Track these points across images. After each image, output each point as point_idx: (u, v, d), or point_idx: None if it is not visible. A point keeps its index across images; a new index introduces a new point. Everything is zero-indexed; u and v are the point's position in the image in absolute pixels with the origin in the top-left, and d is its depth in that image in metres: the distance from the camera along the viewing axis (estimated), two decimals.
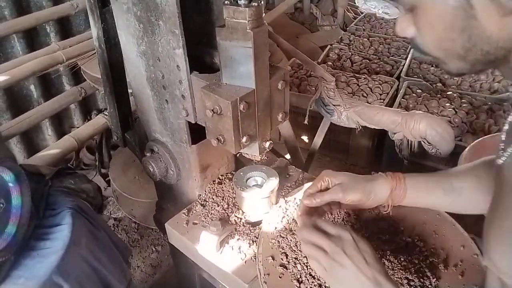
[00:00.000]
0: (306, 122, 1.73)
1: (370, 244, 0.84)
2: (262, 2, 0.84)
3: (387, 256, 1.00)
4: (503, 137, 0.71)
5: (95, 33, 1.19)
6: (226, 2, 0.84)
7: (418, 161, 2.26)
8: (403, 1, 0.64)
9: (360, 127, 1.61)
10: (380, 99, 2.47)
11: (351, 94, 2.51)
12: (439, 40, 0.62)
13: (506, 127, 0.71)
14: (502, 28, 0.56)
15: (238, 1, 0.82)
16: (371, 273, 0.79)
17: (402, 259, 1.00)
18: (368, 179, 1.04)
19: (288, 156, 1.98)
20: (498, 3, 0.53)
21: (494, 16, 0.55)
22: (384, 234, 1.11)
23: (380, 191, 1.03)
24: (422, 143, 1.54)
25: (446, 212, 1.15)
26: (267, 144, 1.01)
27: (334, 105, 1.44)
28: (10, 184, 0.95)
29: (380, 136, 2.55)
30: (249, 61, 0.86)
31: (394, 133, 1.57)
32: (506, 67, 0.62)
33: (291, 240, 1.10)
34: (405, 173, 1.06)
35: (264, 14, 0.87)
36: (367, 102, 2.45)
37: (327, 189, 1.04)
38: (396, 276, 0.97)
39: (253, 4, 0.82)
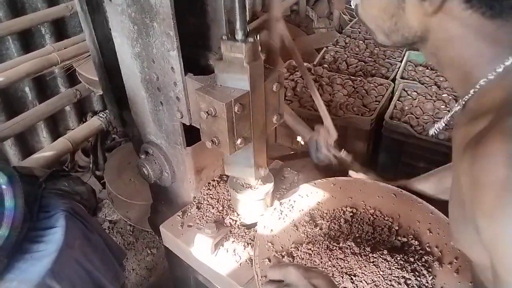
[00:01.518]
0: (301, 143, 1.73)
1: (325, 275, 0.83)
2: (258, 38, 0.88)
3: (384, 256, 1.00)
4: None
5: (79, 6, 1.17)
6: (223, 37, 0.88)
7: (413, 163, 2.27)
8: None
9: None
10: (376, 101, 2.48)
11: (347, 97, 2.52)
12: (373, 16, 0.75)
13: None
14: (422, 23, 0.69)
15: (236, 36, 0.86)
16: None
17: (398, 258, 1.01)
18: None
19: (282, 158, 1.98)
20: (423, 5, 0.65)
21: (419, 13, 0.67)
22: (380, 234, 1.12)
23: None
24: None
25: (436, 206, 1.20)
26: (262, 171, 1.06)
27: (324, 155, 1.44)
28: (3, 186, 0.94)
29: (376, 139, 2.56)
30: (246, 87, 0.90)
31: None
32: (424, 51, 0.75)
33: (286, 242, 1.10)
34: (400, 175, 1.13)
35: (259, 16, 0.87)
36: (363, 105, 2.45)
37: None
38: (393, 275, 0.97)
39: (250, 40, 0.86)
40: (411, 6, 0.67)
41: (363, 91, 2.55)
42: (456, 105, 0.77)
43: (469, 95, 0.69)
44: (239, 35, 0.86)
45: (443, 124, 0.83)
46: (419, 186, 1.28)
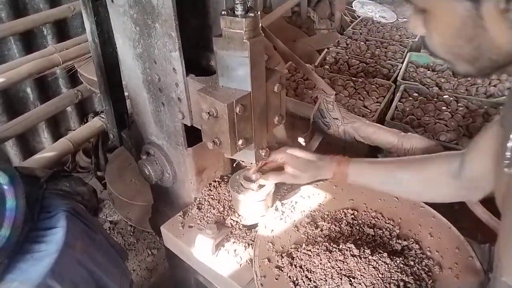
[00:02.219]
0: (308, 133, 1.73)
1: None
2: (259, 13, 0.85)
3: (384, 259, 1.00)
4: (510, 144, 0.70)
5: (89, 27, 1.17)
6: (223, 12, 0.86)
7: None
8: (415, 3, 0.65)
9: (356, 142, 1.62)
10: (377, 102, 2.48)
11: (348, 98, 2.51)
12: (447, 45, 0.63)
13: None
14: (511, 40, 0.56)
15: (235, 12, 0.84)
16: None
17: (398, 261, 1.01)
18: (314, 165, 1.20)
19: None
20: (507, 17, 0.53)
21: (504, 28, 0.55)
22: (380, 237, 1.12)
23: (323, 175, 1.22)
24: None
25: (437, 210, 1.19)
26: (263, 152, 1.03)
27: (332, 119, 1.44)
28: (5, 187, 0.94)
29: None
30: (246, 70, 0.87)
31: (390, 153, 1.58)
32: None
33: (287, 242, 1.10)
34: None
35: (261, 22, 0.87)
36: (364, 106, 2.45)
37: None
38: (393, 278, 0.97)
39: (250, 14, 0.83)
40: (493, 21, 0.55)
41: (364, 92, 2.55)
42: None
43: None
44: (239, 10, 0.83)
45: None
46: (363, 184, 1.22)
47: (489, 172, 0.90)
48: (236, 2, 0.82)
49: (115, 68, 1.25)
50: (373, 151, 2.64)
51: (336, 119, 1.44)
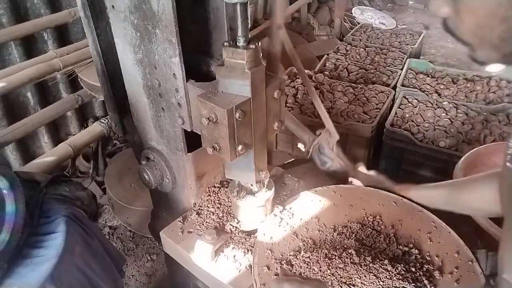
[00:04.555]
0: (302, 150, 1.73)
1: (318, 283, 0.92)
2: (260, 44, 0.89)
3: (385, 266, 1.00)
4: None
5: (80, 4, 1.16)
6: (225, 43, 0.89)
7: (413, 170, 2.27)
8: None
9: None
10: (377, 108, 2.49)
11: (348, 104, 2.52)
12: (477, 26, 0.60)
13: None
14: None
15: (237, 43, 0.87)
16: None
17: (399, 268, 1.00)
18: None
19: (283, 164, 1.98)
20: None
21: None
22: (380, 243, 1.11)
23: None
24: None
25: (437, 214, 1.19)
26: (263, 174, 1.06)
27: (329, 158, 1.44)
28: (4, 191, 0.94)
29: (376, 146, 2.56)
30: (247, 94, 0.91)
31: None
32: None
33: (286, 249, 1.10)
34: (400, 183, 1.17)
35: (260, 24, 0.88)
36: (363, 112, 2.45)
37: None
38: (394, 285, 0.96)
39: (251, 46, 0.87)
40: None
41: (364, 98, 2.56)
42: None
43: None
44: (241, 41, 0.87)
45: None
46: (425, 192, 1.25)
47: None
48: (239, 35, 0.86)
49: (114, 53, 1.21)
50: (372, 159, 2.64)
51: (332, 159, 1.45)
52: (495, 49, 0.61)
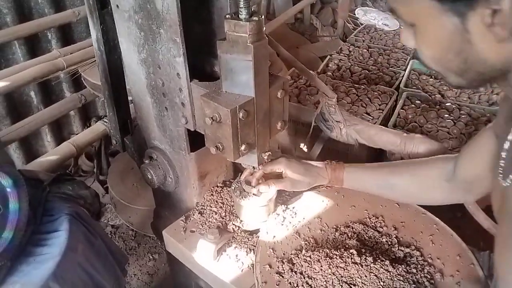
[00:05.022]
0: (308, 137, 1.73)
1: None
2: (263, 16, 0.86)
3: (386, 266, 1.00)
4: (504, 154, 0.71)
5: (94, 35, 1.18)
6: (227, 16, 0.86)
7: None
8: (404, 19, 0.66)
9: (358, 145, 1.62)
10: (379, 109, 2.48)
11: (350, 104, 2.52)
12: (437, 58, 0.64)
13: (506, 145, 0.71)
14: (498, 52, 0.57)
15: (239, 15, 0.84)
16: None
17: (400, 269, 1.00)
18: (311, 171, 1.22)
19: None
20: (493, 30, 0.54)
21: (491, 41, 0.56)
22: (382, 244, 1.11)
23: (319, 181, 1.23)
24: None
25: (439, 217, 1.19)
26: (266, 155, 1.03)
27: (334, 121, 1.44)
28: (8, 189, 0.95)
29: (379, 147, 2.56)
30: (249, 74, 0.87)
31: (392, 154, 1.57)
32: (505, 85, 0.63)
33: (288, 248, 1.10)
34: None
35: (264, 26, 0.88)
36: (366, 113, 2.45)
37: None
38: (395, 286, 0.97)
39: (254, 18, 0.84)
40: (479, 36, 0.56)
41: (367, 99, 2.55)
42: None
43: None
44: (243, 13, 0.83)
45: None
46: (359, 189, 1.24)
47: (481, 176, 0.93)
48: (240, 6, 0.82)
49: (120, 76, 1.25)
50: (375, 157, 2.65)
51: (338, 122, 1.44)
52: (460, 76, 0.64)
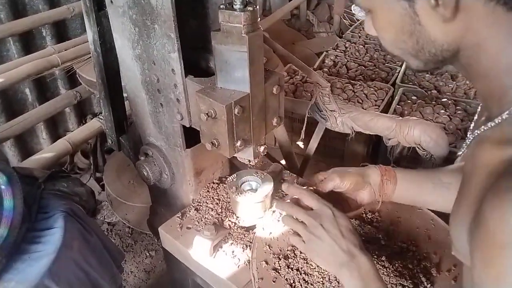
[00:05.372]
0: (303, 133, 1.73)
1: (349, 220, 0.89)
2: (258, 7, 0.85)
3: (382, 262, 1.00)
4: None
5: (91, 36, 1.19)
6: (221, 6, 0.85)
7: (411, 166, 2.27)
8: (361, 5, 0.69)
9: (354, 133, 1.62)
10: (375, 105, 2.48)
11: (347, 101, 2.52)
12: (393, 41, 0.67)
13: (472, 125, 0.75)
14: (445, 33, 0.60)
15: (234, 6, 0.82)
16: (346, 246, 0.84)
17: (396, 264, 1.01)
18: (360, 169, 1.07)
19: (283, 161, 1.98)
20: (438, 11, 0.57)
21: (437, 22, 0.58)
22: (378, 240, 1.12)
23: (373, 178, 1.03)
24: (417, 149, 1.55)
25: (436, 212, 1.17)
26: (262, 148, 1.01)
27: (329, 111, 1.44)
28: (2, 187, 0.94)
29: (375, 143, 2.56)
30: (244, 65, 0.86)
31: (389, 139, 1.57)
32: (457, 65, 0.66)
33: (284, 245, 1.10)
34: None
35: (260, 19, 0.87)
36: (362, 108, 2.46)
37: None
38: (391, 282, 0.97)
39: (249, 8, 0.82)
40: (426, 16, 0.59)
41: (363, 95, 2.56)
42: (477, 117, 0.72)
43: (507, 113, 0.59)
44: (237, 3, 0.82)
45: (468, 142, 0.73)
46: (413, 193, 1.07)
47: None
48: None
49: (116, 76, 1.25)
50: (373, 152, 2.65)
51: (333, 111, 1.44)
52: (416, 58, 0.66)
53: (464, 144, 0.75)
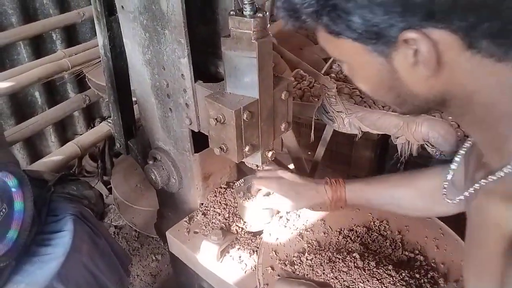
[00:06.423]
0: (312, 134, 1.72)
1: None
2: (267, 13, 0.85)
3: (389, 271, 0.99)
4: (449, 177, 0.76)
5: (101, 41, 1.20)
6: (231, 12, 0.85)
7: (420, 162, 2.25)
8: (334, 57, 0.66)
9: (362, 133, 1.60)
10: (384, 111, 2.48)
11: (355, 106, 2.51)
12: (372, 92, 0.64)
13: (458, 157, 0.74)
14: (428, 87, 0.56)
15: (244, 12, 0.83)
16: None
17: (403, 274, 1.00)
18: (307, 191, 1.09)
19: (291, 166, 1.97)
20: (418, 69, 0.53)
21: (419, 79, 0.55)
22: (386, 248, 1.11)
23: (316, 200, 1.09)
24: (426, 145, 1.53)
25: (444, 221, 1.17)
26: (270, 154, 1.02)
27: (335, 112, 1.43)
28: (13, 189, 0.95)
29: (383, 147, 2.55)
30: (254, 71, 0.87)
31: (397, 137, 1.56)
32: (447, 112, 0.62)
33: (291, 251, 1.10)
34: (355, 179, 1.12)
35: (268, 25, 0.87)
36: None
37: None
38: None
39: (258, 15, 0.83)
40: (406, 73, 0.55)
41: (370, 101, 2.55)
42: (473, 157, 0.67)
43: (510, 167, 0.54)
44: (247, 10, 0.82)
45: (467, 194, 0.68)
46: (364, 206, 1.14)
47: None
48: (245, 2, 0.82)
49: (126, 81, 1.26)
50: (380, 155, 2.63)
51: (340, 112, 1.43)
52: (400, 107, 0.64)
53: (467, 193, 0.68)
